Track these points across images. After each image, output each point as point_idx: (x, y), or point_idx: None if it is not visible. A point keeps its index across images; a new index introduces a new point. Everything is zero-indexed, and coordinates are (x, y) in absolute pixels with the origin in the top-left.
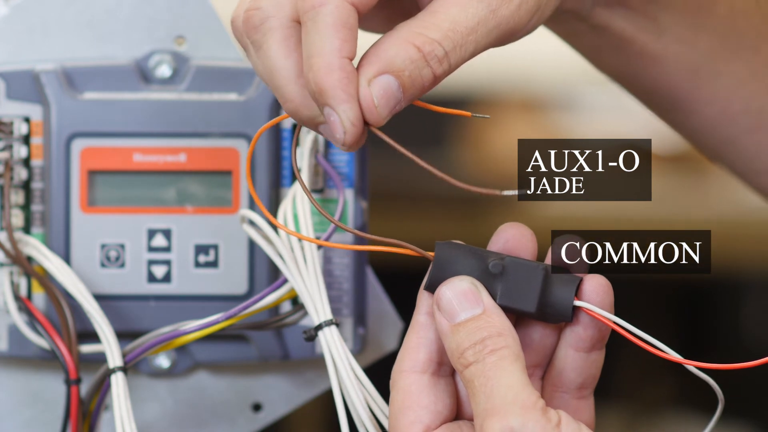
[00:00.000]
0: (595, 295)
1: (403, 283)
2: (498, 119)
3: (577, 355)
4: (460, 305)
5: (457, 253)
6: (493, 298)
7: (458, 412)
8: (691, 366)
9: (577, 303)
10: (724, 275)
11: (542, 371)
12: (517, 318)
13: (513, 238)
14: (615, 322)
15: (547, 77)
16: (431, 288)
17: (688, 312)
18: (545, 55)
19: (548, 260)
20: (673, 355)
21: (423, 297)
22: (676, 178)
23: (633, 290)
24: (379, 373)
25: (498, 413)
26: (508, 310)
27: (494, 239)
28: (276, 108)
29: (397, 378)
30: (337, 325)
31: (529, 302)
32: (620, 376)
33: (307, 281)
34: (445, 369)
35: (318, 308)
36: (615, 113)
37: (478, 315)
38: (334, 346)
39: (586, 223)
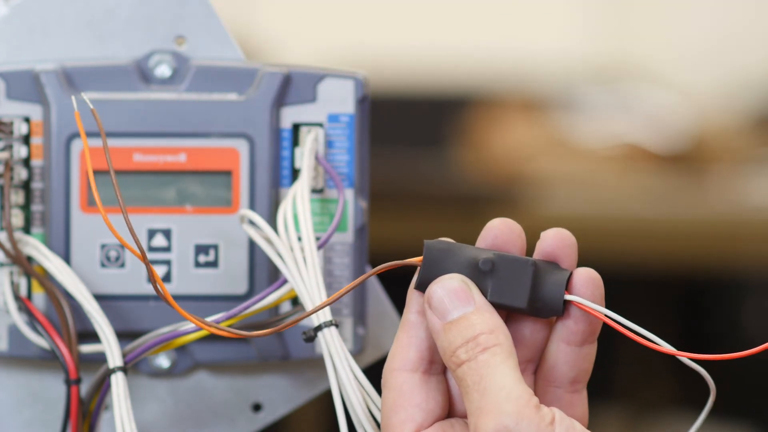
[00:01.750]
0: (585, 289)
1: (403, 283)
2: (498, 119)
3: (569, 349)
4: (451, 303)
5: (447, 251)
6: (484, 294)
7: (450, 410)
8: (685, 357)
9: (568, 297)
10: (723, 275)
11: (534, 366)
12: (508, 314)
13: (502, 234)
14: (606, 315)
15: (547, 77)
16: (422, 287)
17: (688, 312)
18: (545, 55)
19: (536, 254)
20: (666, 347)
21: (413, 296)
22: (676, 178)
23: (632, 290)
24: (379, 374)
25: (492, 411)
26: (499, 307)
27: (483, 235)
28: (276, 108)
29: (388, 377)
30: (337, 326)
31: (520, 298)
32: (619, 376)
33: (307, 282)
34: (436, 367)
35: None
36: (615, 113)
37: (470, 313)
38: (333, 347)
39: (586, 223)
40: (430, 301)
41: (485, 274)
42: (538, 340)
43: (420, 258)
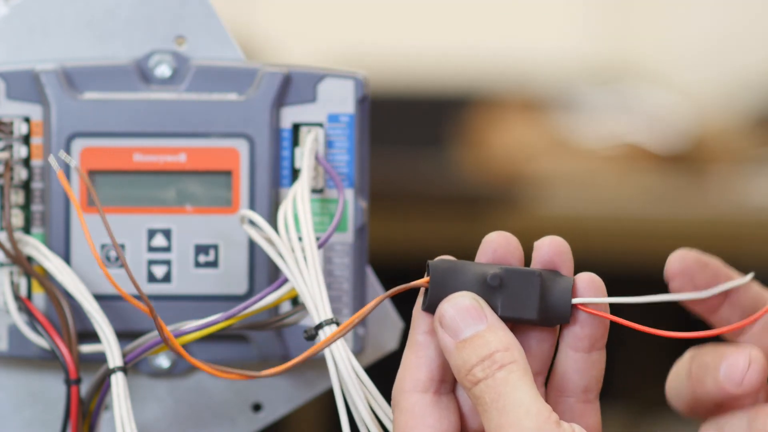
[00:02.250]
0: (588, 293)
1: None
2: (498, 119)
3: (577, 356)
4: (463, 322)
5: (452, 270)
6: (494, 310)
7: (462, 429)
8: (698, 336)
9: (575, 300)
10: None
11: (544, 378)
12: (512, 326)
13: (501, 247)
14: (615, 311)
15: (547, 77)
16: (431, 308)
17: (688, 312)
18: (545, 55)
19: (533, 265)
20: (674, 332)
21: (419, 316)
22: (676, 178)
23: (632, 290)
24: (379, 374)
25: (512, 428)
26: (510, 321)
27: (482, 250)
28: (276, 108)
29: (399, 399)
30: (338, 324)
31: (531, 310)
32: (621, 377)
33: (307, 280)
34: (446, 386)
35: (318, 307)
36: (615, 113)
37: (483, 330)
38: (335, 345)
39: (586, 223)
40: (442, 319)
41: (494, 290)
42: (545, 350)
43: (426, 279)
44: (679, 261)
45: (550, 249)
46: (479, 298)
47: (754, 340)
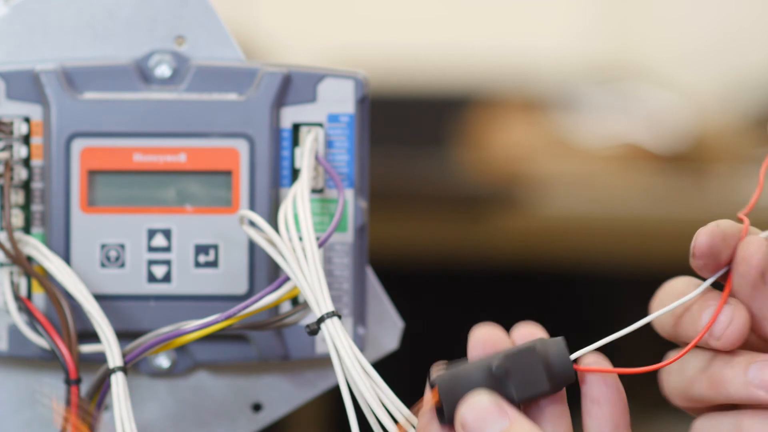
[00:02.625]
0: (589, 356)
1: (403, 283)
2: (498, 119)
3: (602, 421)
4: (486, 423)
5: (455, 378)
6: (511, 398)
7: None
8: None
9: (574, 356)
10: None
11: None
12: (523, 409)
13: (488, 340)
14: (615, 368)
15: (547, 77)
16: (450, 420)
17: None
18: (545, 55)
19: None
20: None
21: (430, 428)
22: (676, 178)
23: (632, 290)
24: (379, 373)
25: None
26: (527, 401)
27: (472, 347)
28: (276, 108)
29: None
30: (340, 317)
31: (542, 383)
32: (621, 377)
33: (307, 275)
34: None
35: (319, 301)
36: (615, 113)
37: (508, 427)
38: (337, 337)
39: (586, 223)
40: (465, 426)
41: (502, 379)
42: (564, 428)
43: (434, 397)
44: (707, 237)
45: (522, 334)
46: (494, 394)
47: (756, 303)
